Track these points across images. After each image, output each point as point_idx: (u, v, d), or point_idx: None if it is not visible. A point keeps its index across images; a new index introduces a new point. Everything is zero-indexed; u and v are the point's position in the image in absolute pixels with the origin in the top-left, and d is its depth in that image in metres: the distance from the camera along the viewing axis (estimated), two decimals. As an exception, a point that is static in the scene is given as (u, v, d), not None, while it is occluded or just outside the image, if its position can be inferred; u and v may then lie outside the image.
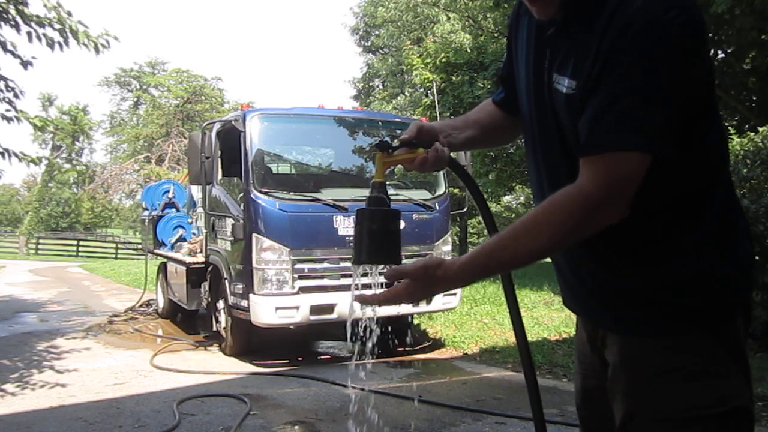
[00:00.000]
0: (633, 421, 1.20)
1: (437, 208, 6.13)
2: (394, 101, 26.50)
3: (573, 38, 1.14)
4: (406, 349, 6.42)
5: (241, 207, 5.68)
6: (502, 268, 1.16)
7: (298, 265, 5.45)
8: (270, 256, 5.39)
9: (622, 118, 1.03)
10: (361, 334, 1.41)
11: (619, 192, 1.06)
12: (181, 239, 8.44)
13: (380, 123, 6.81)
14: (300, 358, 6.16)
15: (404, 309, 5.86)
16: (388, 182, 1.35)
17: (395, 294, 1.21)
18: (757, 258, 4.77)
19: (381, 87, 31.29)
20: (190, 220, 8.66)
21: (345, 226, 5.55)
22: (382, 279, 1.25)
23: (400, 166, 1.39)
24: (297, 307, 5.37)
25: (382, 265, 1.27)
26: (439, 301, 5.98)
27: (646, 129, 1.03)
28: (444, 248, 6.14)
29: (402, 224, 1.32)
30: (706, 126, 1.14)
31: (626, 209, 1.07)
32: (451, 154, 1.41)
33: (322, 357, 6.55)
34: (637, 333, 1.21)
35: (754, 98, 10.66)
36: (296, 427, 3.97)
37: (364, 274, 1.30)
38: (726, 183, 1.22)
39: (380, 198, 1.28)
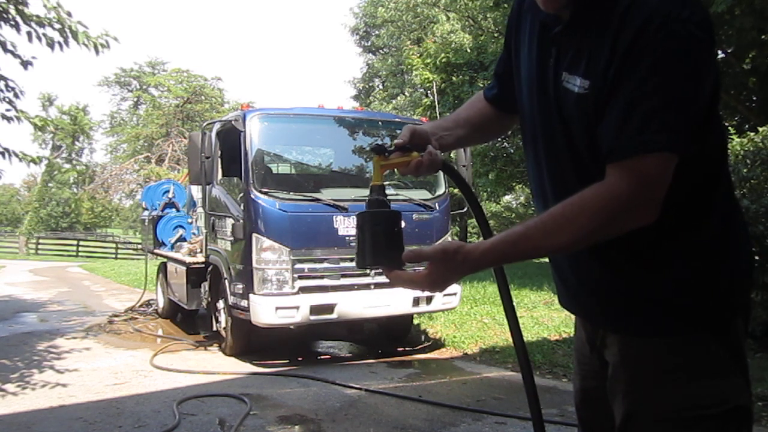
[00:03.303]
0: (633, 421, 1.20)
1: (437, 208, 6.12)
2: (394, 101, 26.51)
3: (583, 36, 1.14)
4: (406, 349, 6.42)
5: (241, 207, 5.68)
6: (523, 258, 1.17)
7: (298, 265, 5.45)
8: (270, 256, 5.38)
9: (649, 120, 1.03)
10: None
11: (651, 193, 1.06)
12: (181, 239, 8.45)
13: (380, 123, 6.81)
14: (300, 358, 6.16)
15: (404, 309, 5.87)
16: (388, 182, 1.35)
17: (412, 278, 1.22)
18: (757, 258, 4.77)
19: (381, 87, 31.30)
20: (190, 220, 8.66)
21: (345, 226, 5.55)
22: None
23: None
24: (297, 307, 5.37)
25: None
26: (439, 301, 5.98)
27: (673, 129, 1.03)
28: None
29: (401, 224, 1.31)
30: (711, 124, 1.14)
31: (657, 211, 1.07)
32: (451, 153, 1.42)
33: (322, 357, 6.55)
34: (638, 333, 1.21)
35: (754, 98, 10.68)
36: (296, 427, 3.97)
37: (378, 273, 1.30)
38: (727, 183, 1.23)
39: (380, 200, 1.29)
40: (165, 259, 8.58)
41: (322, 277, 5.55)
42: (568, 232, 1.09)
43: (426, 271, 1.18)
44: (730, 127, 7.55)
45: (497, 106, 1.50)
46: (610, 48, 1.07)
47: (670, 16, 1.02)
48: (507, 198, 28.49)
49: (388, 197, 1.32)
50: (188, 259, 7.08)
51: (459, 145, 1.56)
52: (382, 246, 1.25)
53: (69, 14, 5.56)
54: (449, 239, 6.35)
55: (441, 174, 6.25)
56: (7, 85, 5.77)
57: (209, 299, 6.61)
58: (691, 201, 1.15)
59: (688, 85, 1.03)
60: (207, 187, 6.29)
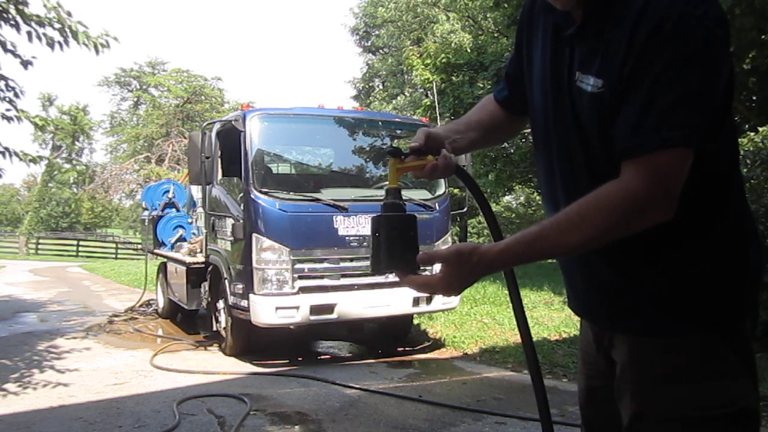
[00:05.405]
0: (641, 421, 1.20)
1: (437, 208, 6.12)
2: (394, 101, 26.48)
3: (596, 36, 1.13)
4: (406, 349, 6.41)
5: (241, 207, 5.68)
6: (538, 258, 1.16)
7: (298, 265, 5.45)
8: (270, 256, 5.38)
9: (665, 116, 1.03)
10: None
11: (667, 189, 1.05)
12: (181, 239, 8.44)
13: (380, 123, 6.81)
14: (300, 358, 6.16)
15: (404, 309, 5.87)
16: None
17: (427, 282, 1.21)
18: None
19: (381, 87, 31.27)
20: (190, 220, 8.66)
21: (345, 226, 5.54)
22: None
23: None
24: (297, 307, 5.37)
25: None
26: (439, 301, 5.97)
27: (689, 124, 1.03)
28: (444, 248, 6.13)
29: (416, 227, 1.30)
30: (723, 121, 1.14)
31: (673, 208, 1.06)
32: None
33: (322, 357, 6.55)
34: (646, 333, 1.21)
35: (754, 98, 10.65)
36: (296, 427, 3.97)
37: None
38: (738, 183, 1.22)
39: (396, 204, 1.26)
40: (165, 259, 8.58)
41: (322, 277, 5.55)
42: (583, 231, 1.08)
43: (441, 274, 1.17)
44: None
45: (508, 109, 1.50)
46: (626, 46, 1.06)
47: (685, 13, 1.02)
48: (507, 198, 28.47)
49: (404, 202, 1.29)
50: (188, 259, 7.08)
51: (472, 148, 1.55)
52: (398, 250, 1.22)
53: (69, 14, 5.55)
54: (449, 239, 6.35)
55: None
56: (7, 85, 5.76)
57: (209, 299, 6.61)
58: (702, 200, 1.14)
59: (704, 81, 1.03)
60: (207, 187, 6.28)
